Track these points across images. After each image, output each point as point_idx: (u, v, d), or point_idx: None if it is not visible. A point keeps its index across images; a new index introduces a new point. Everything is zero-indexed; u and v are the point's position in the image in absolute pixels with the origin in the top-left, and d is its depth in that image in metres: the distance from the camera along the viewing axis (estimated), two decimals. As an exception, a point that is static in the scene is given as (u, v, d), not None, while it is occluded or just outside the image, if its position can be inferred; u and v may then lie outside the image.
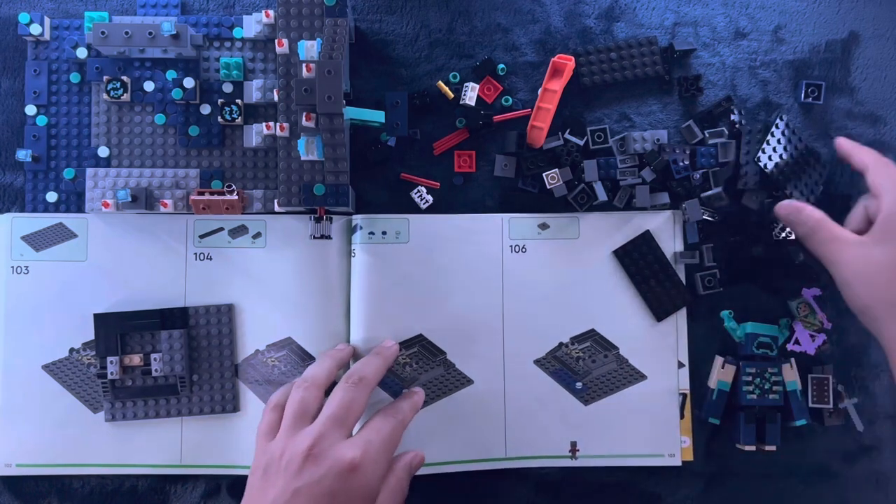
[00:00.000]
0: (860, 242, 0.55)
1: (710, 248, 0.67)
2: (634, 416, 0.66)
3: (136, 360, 0.63)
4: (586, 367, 0.66)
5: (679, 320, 0.67)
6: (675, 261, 0.67)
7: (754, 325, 0.66)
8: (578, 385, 0.66)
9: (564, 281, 0.66)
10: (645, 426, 0.66)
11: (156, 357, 0.63)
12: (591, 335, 0.66)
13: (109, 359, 0.63)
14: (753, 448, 0.65)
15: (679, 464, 0.66)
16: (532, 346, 0.66)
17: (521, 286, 0.66)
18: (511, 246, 0.67)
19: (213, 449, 0.65)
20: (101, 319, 0.63)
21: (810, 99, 0.68)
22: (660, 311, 0.66)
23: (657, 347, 0.66)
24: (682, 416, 0.66)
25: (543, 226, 0.67)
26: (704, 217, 0.67)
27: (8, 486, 0.65)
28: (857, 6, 0.71)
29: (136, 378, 0.63)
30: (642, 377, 0.66)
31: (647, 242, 0.66)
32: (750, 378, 0.65)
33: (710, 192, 0.65)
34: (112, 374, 0.63)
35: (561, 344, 0.66)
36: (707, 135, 0.67)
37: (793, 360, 0.66)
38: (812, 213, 0.59)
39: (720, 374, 0.66)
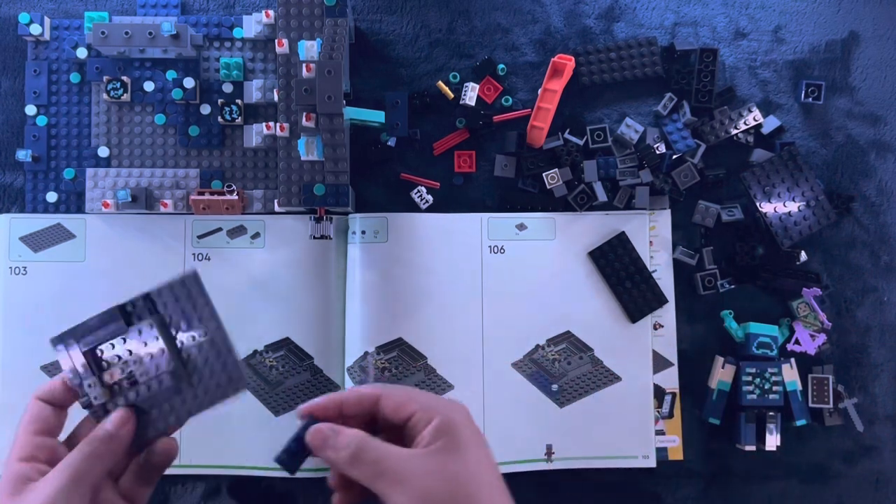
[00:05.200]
0: (418, 455, 0.43)
1: (710, 251, 0.67)
2: (609, 418, 0.66)
3: (116, 373, 0.49)
4: (562, 370, 0.66)
5: (668, 320, 0.67)
6: (671, 259, 0.67)
7: (755, 325, 0.66)
8: (554, 387, 0.66)
9: (541, 282, 0.66)
10: (619, 428, 0.66)
11: (135, 360, 0.49)
12: (567, 337, 0.66)
13: (85, 384, 0.49)
14: (753, 448, 0.65)
15: (654, 465, 0.66)
16: (510, 348, 0.66)
17: (500, 288, 0.66)
18: (490, 247, 0.67)
19: (213, 449, 0.65)
20: (58, 343, 0.49)
21: (810, 99, 0.68)
22: (635, 313, 0.66)
23: (632, 349, 0.66)
24: (671, 416, 0.66)
25: (521, 226, 0.67)
26: (706, 223, 0.67)
27: (7, 486, 0.65)
28: (857, 6, 0.71)
29: (127, 393, 0.49)
30: (617, 379, 0.66)
31: (623, 244, 0.66)
32: (750, 378, 0.65)
33: (728, 209, 0.66)
34: (96, 399, 0.49)
35: (538, 346, 0.66)
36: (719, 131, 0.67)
37: (793, 360, 0.66)
38: (352, 434, 0.44)
39: (720, 374, 0.66)
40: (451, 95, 0.68)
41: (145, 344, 0.50)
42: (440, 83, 0.68)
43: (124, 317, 0.50)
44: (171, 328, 0.49)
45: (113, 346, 0.50)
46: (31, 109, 0.67)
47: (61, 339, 0.48)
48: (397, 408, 0.45)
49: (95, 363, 0.50)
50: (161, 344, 0.49)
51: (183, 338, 0.49)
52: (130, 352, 0.50)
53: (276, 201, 0.64)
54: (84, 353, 0.49)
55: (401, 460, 0.43)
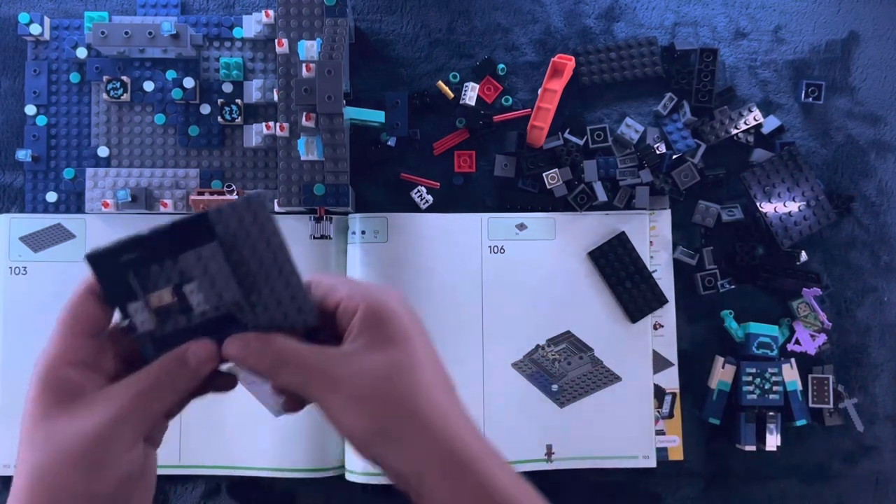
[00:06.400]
0: (344, 354, 0.40)
1: (710, 251, 0.67)
2: (609, 418, 0.66)
3: (165, 297, 0.42)
4: (562, 370, 0.66)
5: (668, 320, 0.67)
6: (671, 259, 0.67)
7: (755, 325, 0.66)
8: (554, 387, 0.66)
9: (541, 282, 0.66)
10: (619, 428, 0.66)
11: (190, 288, 0.42)
12: (567, 337, 0.66)
13: (131, 306, 0.42)
14: (753, 448, 0.65)
15: (654, 465, 0.66)
16: (510, 348, 0.66)
17: (500, 288, 0.66)
18: (490, 247, 0.67)
19: (212, 449, 0.65)
20: (96, 260, 0.42)
21: (810, 99, 0.68)
22: (635, 313, 0.66)
23: (631, 349, 0.66)
24: (671, 416, 0.66)
25: (521, 226, 0.67)
26: (706, 223, 0.67)
27: (7, 486, 0.65)
28: (857, 6, 0.71)
29: (178, 320, 0.42)
30: (617, 379, 0.66)
31: (623, 244, 0.66)
32: (750, 378, 0.65)
33: (727, 209, 0.66)
34: (143, 324, 0.42)
35: (538, 346, 0.66)
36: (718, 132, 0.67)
37: (793, 360, 0.66)
38: (267, 339, 0.40)
39: (720, 374, 0.66)
40: (451, 95, 0.68)
41: (205, 270, 0.42)
42: (440, 83, 0.68)
43: (179, 236, 0.42)
44: (235, 252, 0.42)
45: (161, 267, 0.42)
46: (30, 109, 0.67)
47: (105, 254, 0.41)
48: (325, 296, 0.41)
49: (140, 284, 0.42)
50: (223, 269, 0.42)
51: (247, 264, 0.42)
52: (182, 273, 0.42)
53: (276, 201, 0.64)
54: (126, 272, 0.42)
55: (327, 362, 0.39)
